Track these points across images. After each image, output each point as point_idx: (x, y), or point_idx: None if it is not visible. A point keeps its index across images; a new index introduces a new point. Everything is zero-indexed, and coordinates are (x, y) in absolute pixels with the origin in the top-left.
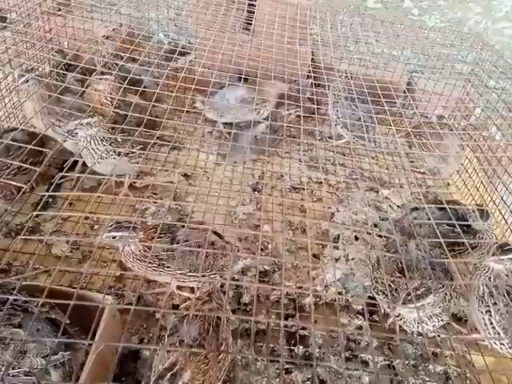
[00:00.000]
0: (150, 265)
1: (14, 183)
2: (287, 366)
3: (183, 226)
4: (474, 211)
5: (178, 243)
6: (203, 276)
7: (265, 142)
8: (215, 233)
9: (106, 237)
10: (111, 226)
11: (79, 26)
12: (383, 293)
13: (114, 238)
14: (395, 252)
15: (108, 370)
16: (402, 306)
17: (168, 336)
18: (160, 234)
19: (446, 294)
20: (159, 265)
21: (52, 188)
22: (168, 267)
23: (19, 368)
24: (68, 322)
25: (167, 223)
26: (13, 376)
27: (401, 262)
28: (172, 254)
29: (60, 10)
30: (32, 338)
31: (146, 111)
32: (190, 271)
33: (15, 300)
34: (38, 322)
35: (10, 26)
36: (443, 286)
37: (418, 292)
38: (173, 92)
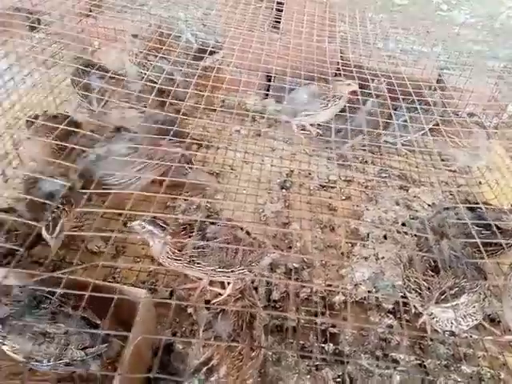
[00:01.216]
0: (180, 262)
1: None
2: (318, 363)
3: (213, 224)
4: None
5: (207, 240)
6: (232, 272)
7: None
8: (243, 229)
9: (138, 224)
10: (147, 217)
11: (110, 26)
12: (416, 291)
13: (143, 228)
14: (428, 251)
15: (144, 362)
16: (436, 306)
17: (203, 331)
18: (191, 232)
19: (480, 293)
20: (190, 262)
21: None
22: (198, 264)
23: (60, 360)
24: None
25: (197, 220)
26: (55, 366)
27: (434, 261)
28: (202, 252)
29: (91, 11)
30: (75, 330)
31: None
32: (219, 267)
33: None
34: (72, 318)
35: (45, 27)
36: (477, 285)
37: (452, 291)
38: (201, 91)
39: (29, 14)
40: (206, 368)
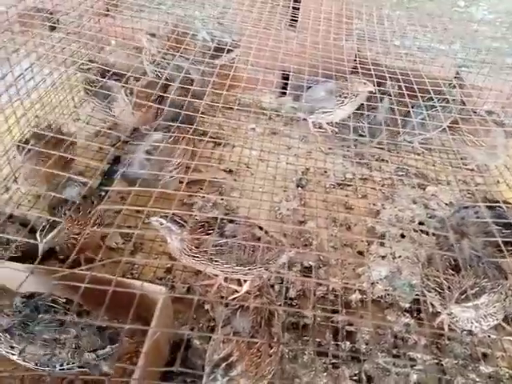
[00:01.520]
0: (197, 259)
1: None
2: (334, 361)
3: (231, 221)
4: None
5: (225, 238)
6: (249, 270)
7: None
8: (260, 228)
9: (156, 220)
10: (166, 214)
11: (128, 25)
12: (435, 290)
13: (162, 224)
14: (448, 250)
15: (162, 356)
16: (456, 305)
17: (221, 327)
18: (208, 229)
19: (501, 293)
20: (208, 259)
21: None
22: (216, 261)
23: (73, 363)
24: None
25: (215, 217)
26: (68, 369)
27: (454, 260)
28: (221, 249)
29: (108, 10)
30: (85, 334)
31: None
32: (237, 265)
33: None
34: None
35: (64, 27)
36: (498, 285)
37: (473, 291)
38: (218, 90)
39: (49, 15)
40: (225, 364)
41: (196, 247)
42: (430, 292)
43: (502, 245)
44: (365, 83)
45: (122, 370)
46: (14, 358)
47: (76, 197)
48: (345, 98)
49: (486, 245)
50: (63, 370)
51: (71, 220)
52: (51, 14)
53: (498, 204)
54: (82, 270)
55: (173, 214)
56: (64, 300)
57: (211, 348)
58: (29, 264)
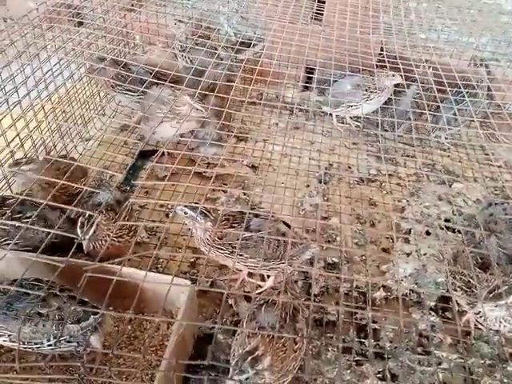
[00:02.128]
0: (221, 252)
1: None
2: (358, 358)
3: (256, 216)
4: None
5: (251, 232)
6: (273, 265)
7: None
8: (285, 223)
9: (180, 209)
10: (191, 203)
11: (152, 20)
12: (461, 289)
13: (186, 213)
14: (475, 248)
15: (186, 350)
16: (485, 303)
17: (246, 322)
18: (233, 223)
19: None
20: (232, 252)
21: (132, 177)
22: (240, 255)
23: (60, 337)
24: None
25: (240, 211)
26: (56, 346)
27: (481, 258)
28: (245, 243)
29: (133, 5)
30: (67, 305)
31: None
32: (262, 260)
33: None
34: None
35: (90, 22)
36: None
37: (501, 290)
38: (243, 84)
39: (76, 10)
40: (251, 357)
41: (219, 238)
42: (456, 290)
43: None
44: (393, 75)
45: (148, 362)
46: (1, 340)
47: (110, 200)
48: (371, 92)
49: None
50: (51, 345)
51: (108, 218)
52: (78, 9)
53: None
54: (119, 263)
55: (197, 204)
56: (47, 280)
57: (236, 342)
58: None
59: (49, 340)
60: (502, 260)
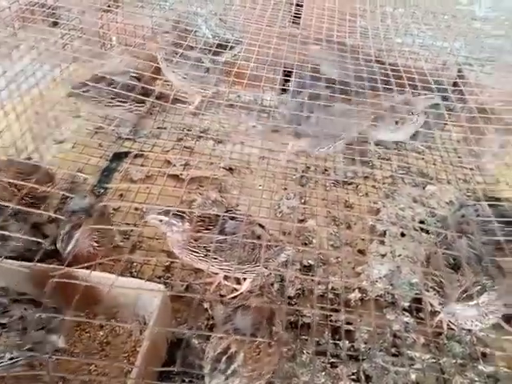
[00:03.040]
0: (197, 255)
1: None
2: (332, 360)
3: (232, 218)
4: None
5: (225, 235)
6: (248, 268)
7: None
8: (261, 225)
9: (152, 218)
10: (161, 209)
11: (129, 21)
12: (434, 289)
13: (160, 221)
14: (447, 249)
15: (159, 355)
16: (457, 304)
17: (222, 325)
18: (209, 225)
19: (501, 291)
20: (206, 255)
21: (105, 180)
22: (215, 259)
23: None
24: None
25: (215, 214)
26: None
27: (453, 259)
28: (220, 246)
29: (109, 6)
30: (29, 312)
31: None
32: (236, 263)
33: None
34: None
35: (66, 23)
36: (498, 283)
37: (473, 290)
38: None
39: (51, 10)
40: (225, 357)
41: (195, 240)
42: (428, 291)
43: (504, 243)
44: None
45: (120, 369)
46: None
47: (85, 206)
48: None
49: (485, 243)
50: (13, 357)
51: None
52: (53, 9)
53: (498, 202)
54: (87, 267)
55: (167, 207)
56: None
57: (210, 346)
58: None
59: (12, 353)
60: (472, 260)
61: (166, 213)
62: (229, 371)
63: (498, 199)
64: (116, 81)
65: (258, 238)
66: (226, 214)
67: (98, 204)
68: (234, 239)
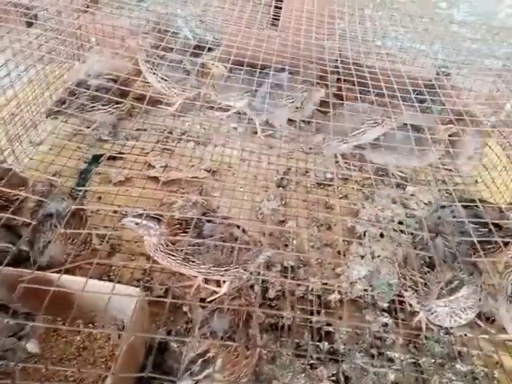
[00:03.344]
0: (174, 258)
1: None
2: (312, 362)
3: (209, 221)
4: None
5: (203, 238)
6: (227, 271)
7: None
8: (239, 227)
9: (129, 221)
10: (136, 212)
11: (108, 22)
12: (412, 289)
13: (137, 224)
14: (422, 249)
15: (137, 361)
16: (437, 301)
17: (199, 328)
18: (186, 228)
19: (477, 285)
20: (184, 259)
21: (84, 182)
22: (193, 262)
23: None
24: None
25: (192, 217)
26: None
27: (429, 258)
28: (198, 249)
29: (89, 7)
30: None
31: None
32: (214, 266)
33: None
34: None
35: (42, 23)
36: (474, 277)
37: (452, 285)
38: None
39: (26, 10)
40: (201, 360)
41: (172, 243)
42: (406, 291)
43: (477, 244)
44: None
45: (97, 375)
46: None
47: (63, 210)
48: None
49: (460, 243)
50: None
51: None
52: (28, 9)
53: (474, 204)
54: (58, 271)
55: (144, 210)
56: None
57: (188, 348)
58: None
59: None
60: (448, 258)
61: (142, 216)
62: (201, 375)
63: (473, 200)
64: (92, 85)
65: (236, 239)
66: (202, 217)
67: (74, 207)
68: (211, 241)
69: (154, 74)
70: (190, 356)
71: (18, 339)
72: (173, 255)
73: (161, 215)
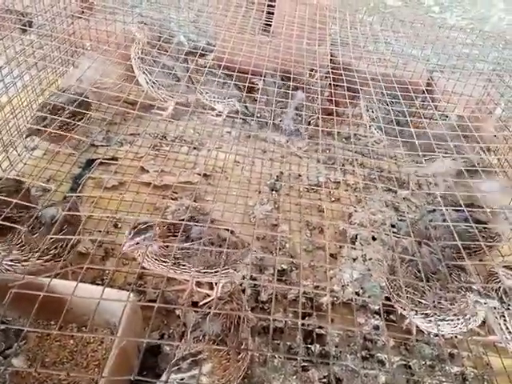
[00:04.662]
0: (165, 264)
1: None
2: (304, 364)
3: (196, 224)
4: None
5: (192, 241)
6: (217, 272)
7: None
8: (227, 229)
9: (129, 246)
10: (130, 234)
11: (102, 28)
12: (398, 295)
13: (138, 243)
14: (412, 257)
15: (130, 364)
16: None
17: (191, 332)
18: (175, 232)
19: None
20: (174, 263)
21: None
22: (183, 266)
23: None
24: None
25: (179, 221)
26: None
27: (417, 264)
28: (187, 253)
29: (83, 13)
30: None
31: None
32: (204, 268)
33: None
34: None
35: (36, 30)
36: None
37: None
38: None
39: (20, 16)
40: (192, 359)
41: (165, 247)
42: (394, 298)
43: (461, 248)
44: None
45: (90, 379)
46: None
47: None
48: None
49: (445, 248)
50: None
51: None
52: (22, 15)
53: (462, 208)
54: (48, 276)
55: (134, 227)
56: None
57: (180, 350)
58: None
59: None
60: (436, 265)
61: (138, 233)
62: (188, 373)
63: (464, 204)
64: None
65: (224, 241)
66: (189, 223)
67: (64, 213)
68: (200, 244)
69: (146, 79)
70: (180, 355)
71: (4, 358)
72: (163, 261)
73: (150, 225)
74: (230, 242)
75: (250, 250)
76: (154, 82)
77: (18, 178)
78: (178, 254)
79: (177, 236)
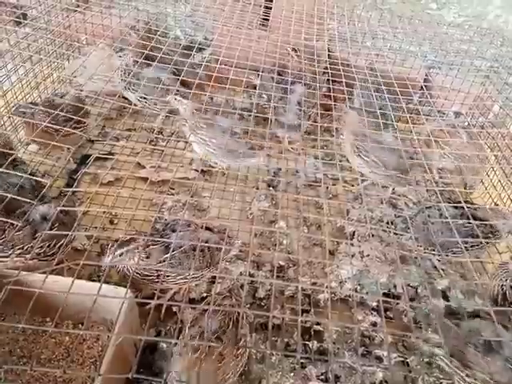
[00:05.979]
0: (149, 278)
1: None
2: (302, 361)
3: (174, 231)
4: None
5: (173, 250)
6: (203, 274)
7: None
8: (207, 228)
9: (114, 259)
10: (112, 246)
11: (98, 22)
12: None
13: (121, 255)
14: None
15: (127, 361)
16: None
17: (189, 328)
18: (154, 243)
19: None
20: (158, 276)
21: (74, 183)
22: (168, 276)
23: None
24: None
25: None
26: None
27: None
28: (170, 264)
29: (78, 6)
30: None
31: None
32: (189, 274)
33: None
34: None
35: (31, 22)
36: None
37: None
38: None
39: (14, 9)
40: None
41: (147, 257)
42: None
43: (461, 244)
44: None
45: (86, 375)
46: None
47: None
48: None
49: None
50: None
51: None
52: (16, 7)
53: (460, 204)
54: (43, 272)
55: (116, 240)
56: None
57: (176, 349)
58: None
59: None
60: None
61: (120, 246)
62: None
63: (460, 201)
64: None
65: (206, 242)
66: (162, 233)
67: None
68: (181, 251)
69: (132, 93)
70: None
71: None
72: (147, 275)
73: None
74: (211, 242)
75: (232, 244)
76: (144, 98)
77: None
78: (160, 267)
79: (155, 246)
